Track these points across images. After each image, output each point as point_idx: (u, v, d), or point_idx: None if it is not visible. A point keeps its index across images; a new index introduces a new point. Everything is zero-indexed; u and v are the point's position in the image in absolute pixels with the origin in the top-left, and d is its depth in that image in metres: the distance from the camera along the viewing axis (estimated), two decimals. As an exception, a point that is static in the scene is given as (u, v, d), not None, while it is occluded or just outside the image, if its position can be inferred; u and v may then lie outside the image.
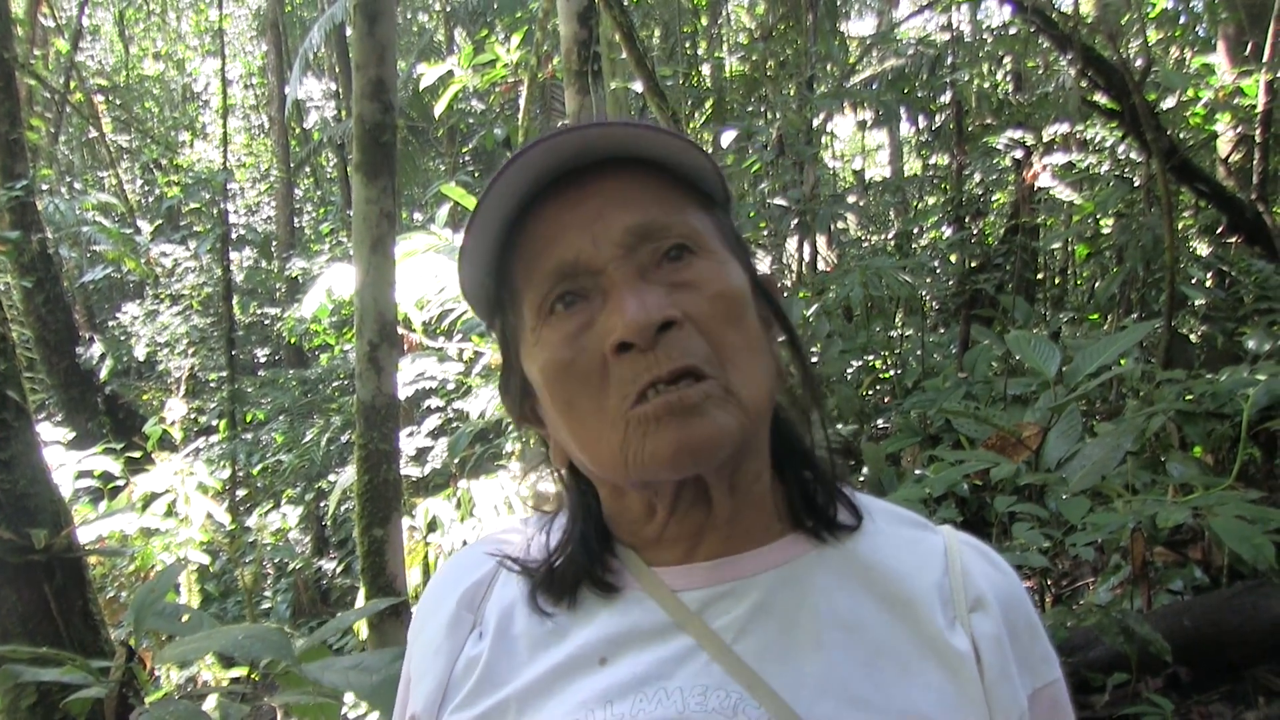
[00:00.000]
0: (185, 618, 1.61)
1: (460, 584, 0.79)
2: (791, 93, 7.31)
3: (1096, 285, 6.70)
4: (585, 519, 0.75)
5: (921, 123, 8.44)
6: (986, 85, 7.45)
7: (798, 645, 0.67)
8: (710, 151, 0.79)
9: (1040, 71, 7.41)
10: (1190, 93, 5.29)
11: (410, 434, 5.45)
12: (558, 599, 0.74)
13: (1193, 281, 5.08)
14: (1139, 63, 4.91)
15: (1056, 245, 7.09)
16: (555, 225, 0.68)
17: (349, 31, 11.58)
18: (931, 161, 9.08)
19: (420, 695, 0.76)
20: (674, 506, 0.71)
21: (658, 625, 0.69)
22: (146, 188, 15.17)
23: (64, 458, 4.89)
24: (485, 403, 4.18)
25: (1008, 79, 8.17)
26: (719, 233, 0.71)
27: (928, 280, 6.55)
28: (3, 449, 1.82)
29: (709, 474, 0.68)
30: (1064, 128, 5.76)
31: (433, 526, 4.41)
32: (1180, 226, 5.21)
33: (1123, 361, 3.63)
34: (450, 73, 6.68)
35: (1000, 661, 0.68)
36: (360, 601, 4.12)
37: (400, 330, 3.85)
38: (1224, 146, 5.59)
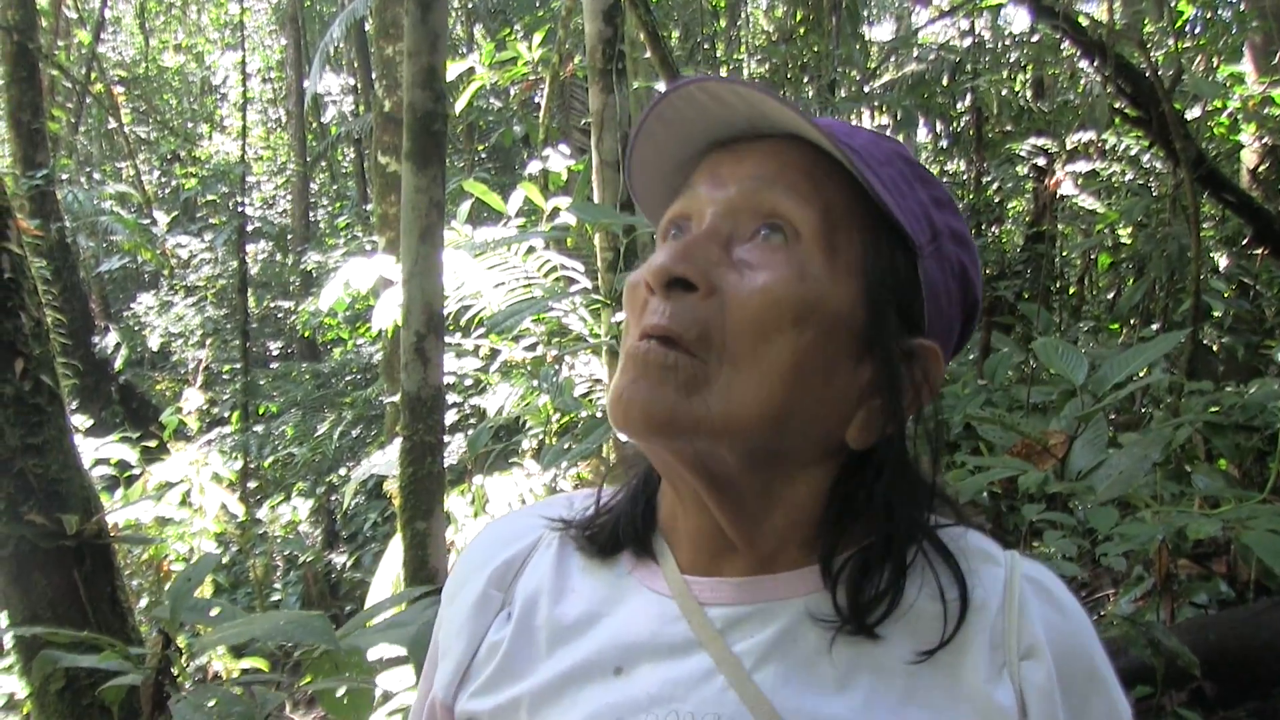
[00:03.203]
0: (216, 610, 1.60)
1: (492, 560, 0.76)
2: (811, 96, 7.29)
3: (1116, 294, 6.66)
4: (644, 482, 0.74)
5: (940, 128, 8.40)
6: (1006, 92, 7.41)
7: (820, 683, 0.63)
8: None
9: (1064, 79, 7.37)
10: (1218, 102, 5.25)
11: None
12: (593, 555, 0.72)
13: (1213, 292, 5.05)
14: (1161, 71, 4.88)
15: (1077, 254, 7.06)
16: (703, 177, 0.67)
17: (369, 27, 11.62)
18: (948, 168, 9.04)
19: (442, 675, 0.74)
20: (682, 500, 0.68)
21: (678, 639, 0.66)
22: (164, 179, 15.24)
23: (81, 445, 4.90)
24: (503, 399, 4.17)
25: (1027, 86, 8.13)
26: (840, 248, 0.63)
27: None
28: (36, 434, 1.82)
29: (681, 469, 0.64)
30: (1087, 136, 5.72)
31: (446, 521, 4.41)
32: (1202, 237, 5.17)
33: (1143, 372, 3.60)
34: (471, 70, 6.69)
35: (1049, 716, 0.62)
36: (371, 599, 4.12)
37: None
38: (1250, 157, 5.55)
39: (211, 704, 1.06)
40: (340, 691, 1.37)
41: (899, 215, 0.64)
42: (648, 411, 0.60)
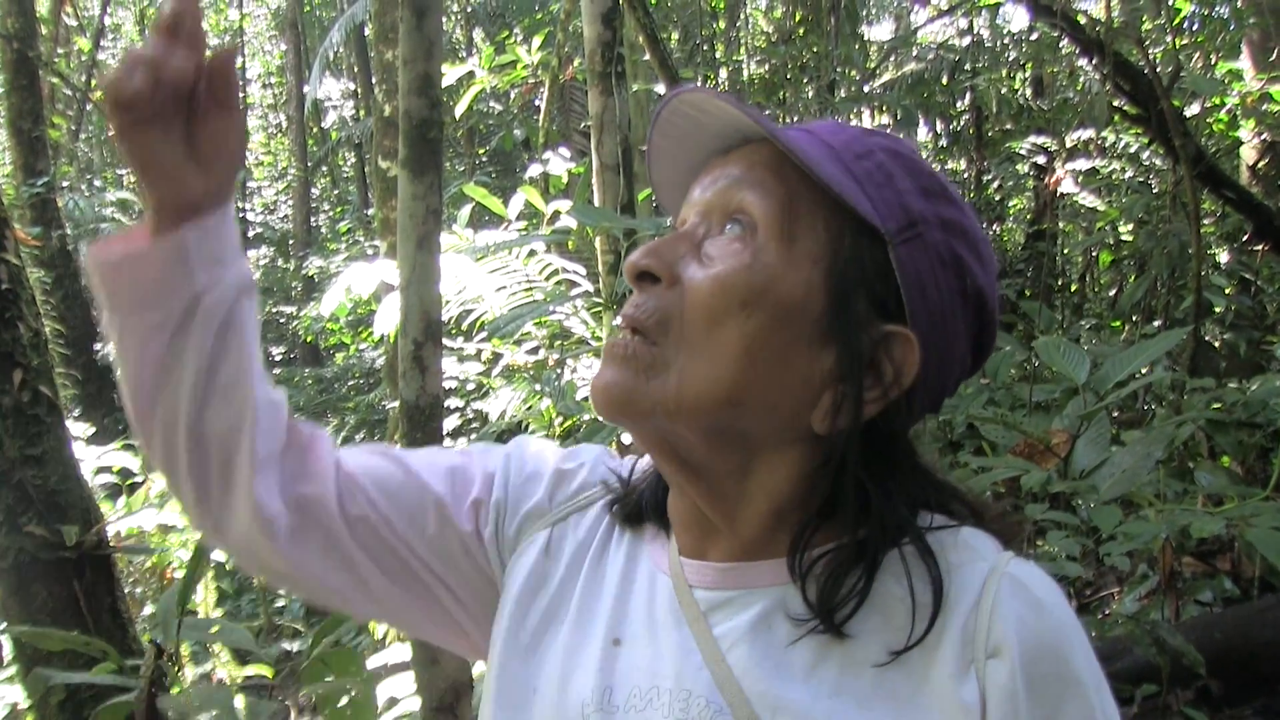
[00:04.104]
0: (215, 629, 1.60)
1: (558, 464, 0.81)
2: (810, 96, 7.29)
3: (1117, 292, 6.66)
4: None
5: (940, 127, 8.40)
6: (1006, 90, 7.40)
7: (788, 670, 0.64)
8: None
9: (1063, 77, 7.37)
10: (1216, 99, 5.24)
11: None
12: (623, 524, 0.76)
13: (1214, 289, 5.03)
14: (1160, 69, 4.88)
15: (1078, 252, 7.05)
16: (698, 183, 0.71)
17: (368, 31, 11.64)
18: (949, 167, 9.03)
19: (509, 494, 0.78)
20: (667, 477, 0.72)
21: (669, 618, 0.69)
22: (164, 186, 15.20)
23: (83, 453, 4.91)
24: (505, 403, 4.17)
25: (1027, 84, 8.13)
26: (799, 238, 0.64)
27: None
28: (35, 445, 1.82)
29: (653, 451, 0.68)
30: (1087, 133, 5.72)
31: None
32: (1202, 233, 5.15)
33: (1145, 370, 3.60)
34: (471, 73, 6.69)
35: (1009, 718, 0.60)
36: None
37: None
38: (1249, 153, 5.54)
39: (202, 701, 1.06)
40: (342, 699, 1.37)
41: (858, 204, 0.64)
42: (609, 393, 0.66)
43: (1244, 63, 5.66)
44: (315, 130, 15.58)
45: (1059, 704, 0.61)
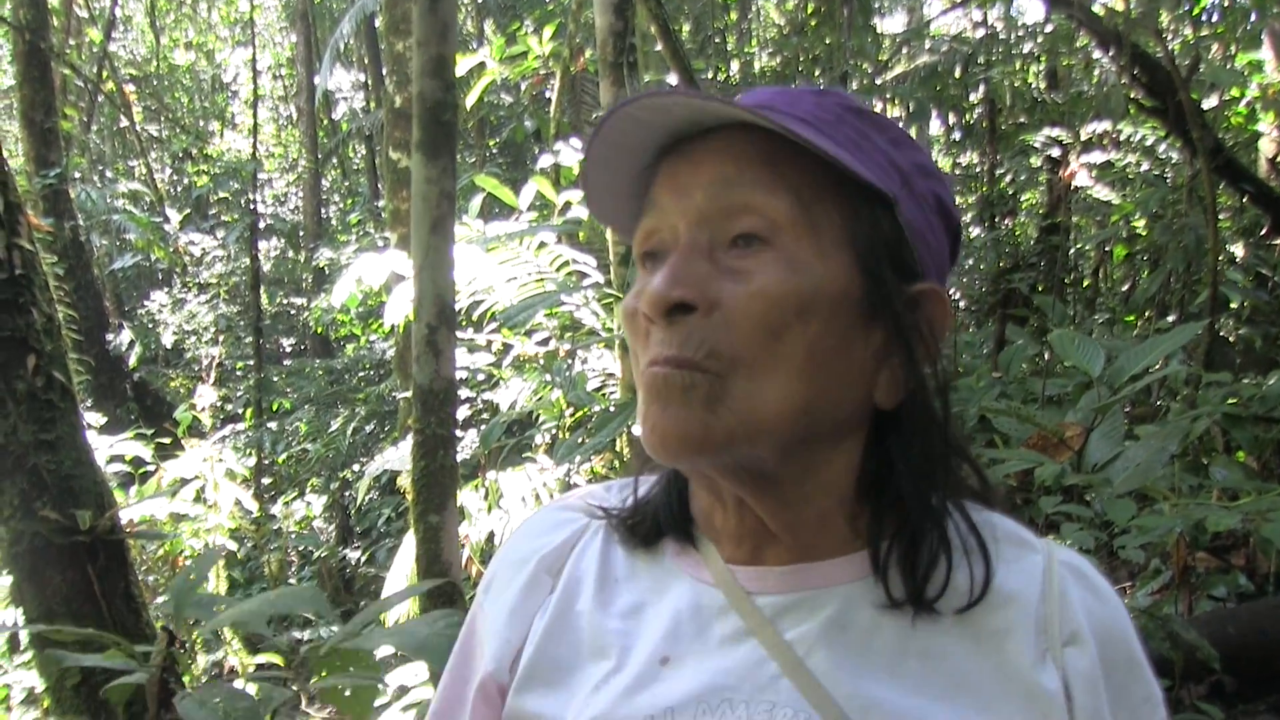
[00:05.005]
0: (221, 608, 1.60)
1: (543, 547, 0.75)
2: (823, 89, 7.26)
3: (1131, 286, 6.61)
4: (675, 474, 0.73)
5: (953, 120, 8.36)
6: (1020, 83, 7.35)
7: (872, 669, 0.63)
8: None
9: (1078, 69, 7.31)
10: (1235, 91, 5.19)
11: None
12: (636, 546, 0.72)
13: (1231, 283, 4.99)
14: (1178, 60, 4.83)
15: (1092, 246, 7.00)
16: (664, 188, 0.66)
17: (378, 23, 11.64)
18: (961, 160, 8.98)
19: (492, 654, 0.72)
20: (719, 499, 0.68)
21: (727, 629, 0.66)
22: (176, 177, 15.31)
23: (96, 442, 4.93)
24: (516, 393, 4.17)
25: (1041, 76, 8.07)
26: (821, 226, 0.62)
27: (961, 280, 6.48)
28: (49, 430, 1.83)
29: (720, 477, 0.65)
30: (1102, 126, 5.67)
31: (459, 516, 4.41)
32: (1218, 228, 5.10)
33: (1159, 364, 3.57)
34: (482, 64, 6.68)
35: (1093, 703, 0.63)
36: (386, 595, 4.13)
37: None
38: (1268, 146, 5.49)
39: (216, 700, 1.06)
40: (346, 688, 1.37)
41: (867, 174, 0.63)
42: (681, 435, 0.61)
43: (1265, 54, 5.59)
44: (325, 122, 15.61)
45: (1127, 684, 0.65)
